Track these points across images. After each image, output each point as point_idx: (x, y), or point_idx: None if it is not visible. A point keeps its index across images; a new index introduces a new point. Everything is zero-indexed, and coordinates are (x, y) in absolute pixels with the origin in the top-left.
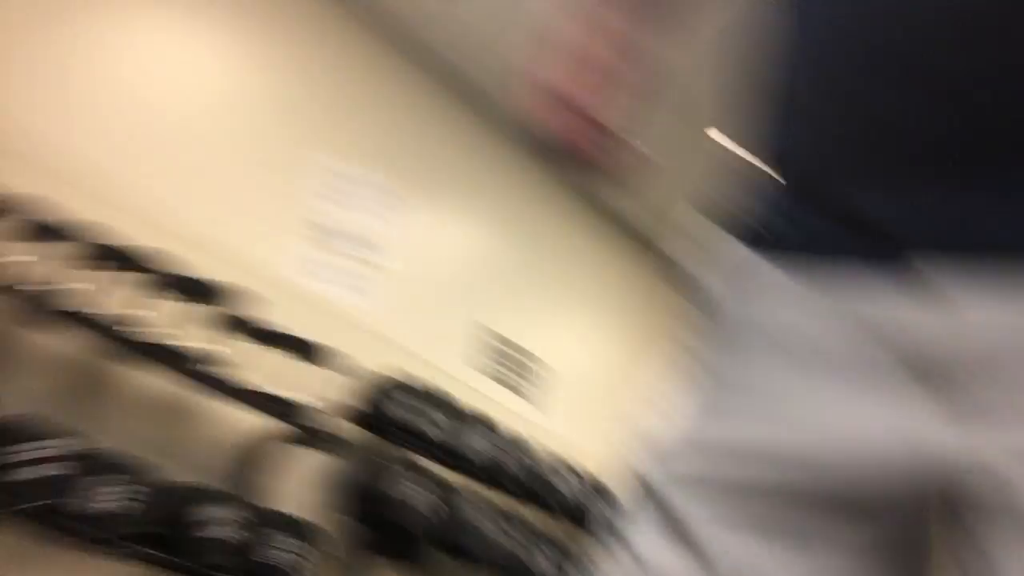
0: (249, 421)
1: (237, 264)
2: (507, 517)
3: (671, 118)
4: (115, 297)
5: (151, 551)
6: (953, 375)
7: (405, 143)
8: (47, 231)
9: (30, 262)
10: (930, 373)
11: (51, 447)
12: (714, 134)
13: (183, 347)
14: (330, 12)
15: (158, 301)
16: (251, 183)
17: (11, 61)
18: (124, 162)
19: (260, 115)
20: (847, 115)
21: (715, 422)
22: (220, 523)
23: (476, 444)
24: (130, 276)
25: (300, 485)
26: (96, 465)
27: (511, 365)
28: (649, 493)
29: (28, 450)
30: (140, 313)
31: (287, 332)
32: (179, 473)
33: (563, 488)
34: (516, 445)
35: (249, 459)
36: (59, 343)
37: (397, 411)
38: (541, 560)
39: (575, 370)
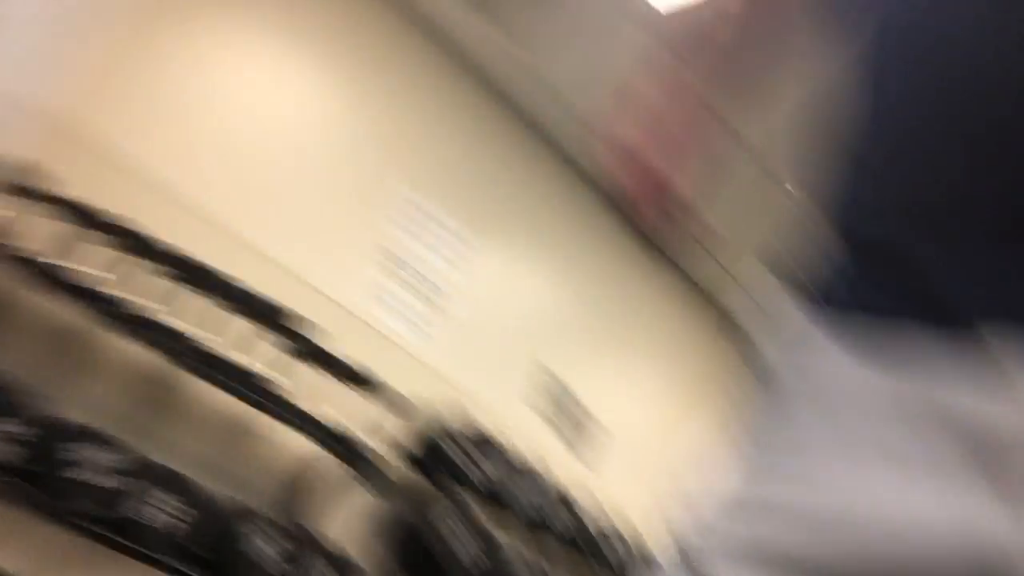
0: (303, 447)
1: (306, 286)
2: (548, 572)
3: (743, 176)
4: (188, 312)
5: (192, 570)
6: (1012, 460)
7: (482, 184)
8: (124, 243)
9: (107, 275)
10: (988, 456)
11: (108, 457)
12: (784, 194)
13: (246, 366)
14: (423, 50)
15: (227, 319)
16: (330, 206)
17: (108, 76)
18: (208, 180)
19: (346, 141)
20: (919, 180)
21: (761, 489)
22: (263, 549)
23: (525, 495)
24: (202, 293)
25: (344, 518)
26: (149, 477)
27: (566, 416)
28: (689, 558)
29: (85, 456)
30: (208, 330)
31: (349, 361)
32: (229, 491)
33: (607, 547)
34: (564, 499)
35: (298, 486)
36: (128, 352)
37: (449, 454)
38: None
39: (627, 424)
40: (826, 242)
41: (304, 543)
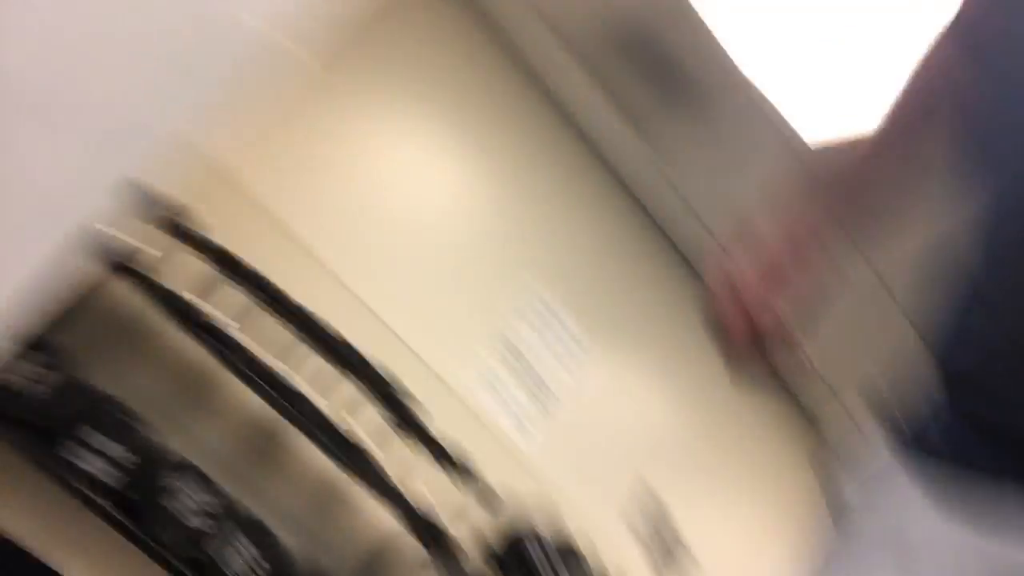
0: (388, 522)
1: (420, 362)
2: None
3: (851, 310)
4: (304, 368)
5: None
6: None
7: (607, 293)
8: (257, 293)
9: (234, 323)
10: None
11: (201, 496)
12: (896, 329)
13: (351, 434)
14: (574, 155)
15: (338, 379)
16: (458, 284)
17: (270, 137)
18: (344, 246)
19: (487, 228)
20: None
21: None
22: None
23: None
24: (320, 352)
25: None
26: (236, 522)
27: (659, 538)
28: None
29: (179, 489)
30: (318, 389)
31: (447, 443)
32: (309, 552)
33: None
34: None
35: (377, 560)
36: (241, 397)
37: (530, 556)
38: None
39: (713, 554)
40: (927, 382)
41: None
